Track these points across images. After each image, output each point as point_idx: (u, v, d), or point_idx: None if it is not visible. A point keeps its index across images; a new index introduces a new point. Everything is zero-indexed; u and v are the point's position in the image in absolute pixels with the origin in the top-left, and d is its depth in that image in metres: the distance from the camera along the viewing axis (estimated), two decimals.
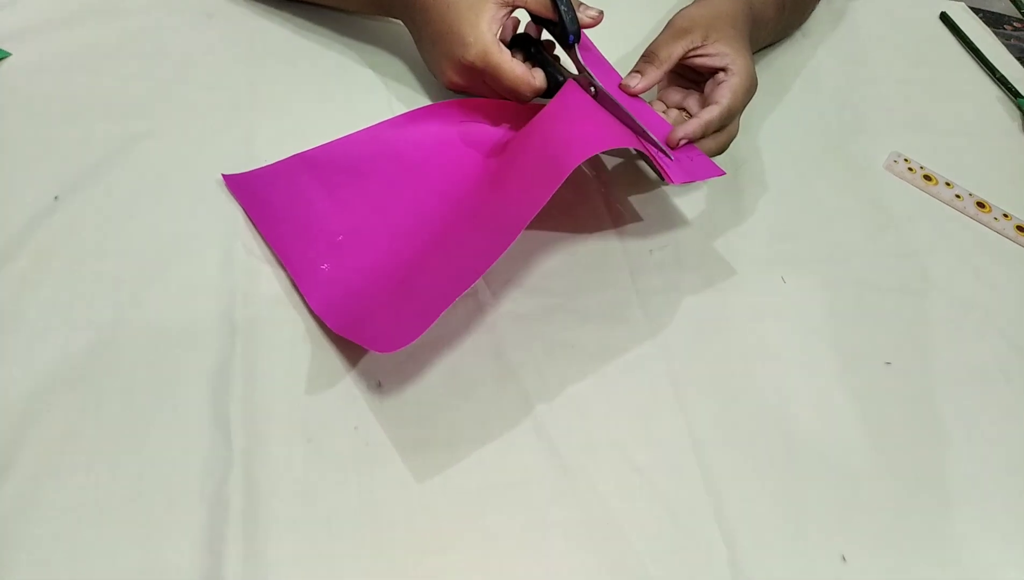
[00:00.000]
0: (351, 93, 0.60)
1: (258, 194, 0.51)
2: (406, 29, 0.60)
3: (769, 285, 0.53)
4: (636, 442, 0.44)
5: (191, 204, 0.51)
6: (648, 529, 0.41)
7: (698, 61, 0.54)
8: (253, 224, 0.50)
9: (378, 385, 0.44)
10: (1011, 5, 0.87)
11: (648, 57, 0.54)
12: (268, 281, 0.47)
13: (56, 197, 0.49)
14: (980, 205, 0.61)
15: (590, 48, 0.58)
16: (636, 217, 0.56)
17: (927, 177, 0.63)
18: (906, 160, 0.64)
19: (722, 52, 0.53)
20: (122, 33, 0.60)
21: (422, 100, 0.60)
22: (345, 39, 0.64)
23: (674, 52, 0.53)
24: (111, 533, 0.37)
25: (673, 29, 0.55)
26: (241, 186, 0.52)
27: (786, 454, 0.45)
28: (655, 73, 0.53)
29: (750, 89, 0.54)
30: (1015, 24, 0.83)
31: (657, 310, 0.50)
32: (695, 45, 0.53)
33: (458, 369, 0.45)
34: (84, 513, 0.37)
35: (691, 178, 0.50)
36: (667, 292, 0.51)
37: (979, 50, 0.77)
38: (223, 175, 0.52)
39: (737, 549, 0.41)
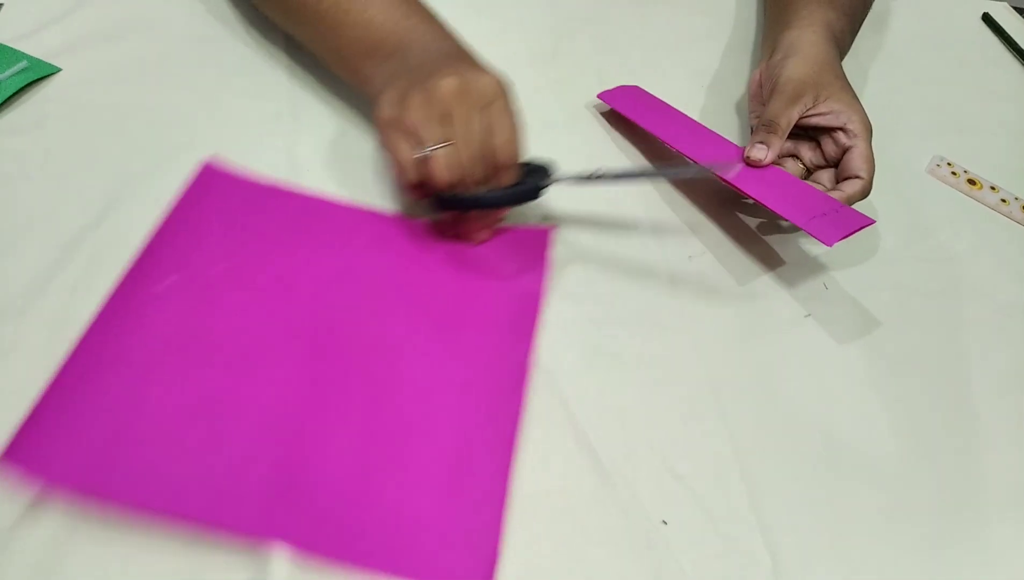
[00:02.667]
0: None
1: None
2: None
3: (810, 291, 0.52)
4: (676, 449, 0.44)
5: None
6: (689, 537, 0.40)
7: (813, 121, 0.55)
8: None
9: None
10: None
11: (771, 127, 0.55)
12: None
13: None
14: None
15: (644, 96, 0.60)
16: (674, 224, 0.55)
17: (971, 181, 0.62)
18: (949, 164, 0.63)
19: (835, 109, 0.54)
20: (165, 46, 0.62)
21: None
22: None
23: (792, 117, 0.55)
24: (160, 533, 0.38)
25: (786, 96, 0.55)
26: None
27: (828, 461, 0.44)
28: (779, 142, 0.55)
29: (870, 138, 0.55)
30: None
31: (697, 317, 0.50)
32: (808, 107, 0.55)
33: None
34: None
35: (845, 233, 0.48)
36: (707, 298, 0.51)
37: (1023, 50, 0.75)
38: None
39: (780, 558, 0.40)
